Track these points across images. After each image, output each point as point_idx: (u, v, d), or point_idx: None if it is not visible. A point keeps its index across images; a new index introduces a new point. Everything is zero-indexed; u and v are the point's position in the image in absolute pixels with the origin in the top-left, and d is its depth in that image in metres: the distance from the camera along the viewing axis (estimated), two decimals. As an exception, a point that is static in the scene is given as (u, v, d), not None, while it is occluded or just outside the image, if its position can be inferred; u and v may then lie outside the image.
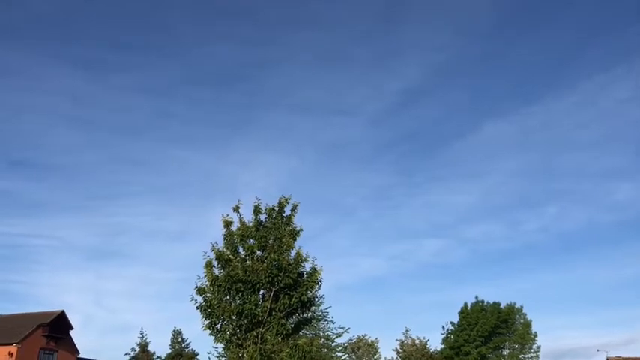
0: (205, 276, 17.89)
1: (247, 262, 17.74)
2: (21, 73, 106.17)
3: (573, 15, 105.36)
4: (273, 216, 18.52)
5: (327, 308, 33.44)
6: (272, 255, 17.39)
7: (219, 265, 17.91)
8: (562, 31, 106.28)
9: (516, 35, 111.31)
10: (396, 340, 49.03)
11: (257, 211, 18.52)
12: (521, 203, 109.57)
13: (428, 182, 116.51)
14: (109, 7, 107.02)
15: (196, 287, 17.86)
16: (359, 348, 45.97)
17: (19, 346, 44.72)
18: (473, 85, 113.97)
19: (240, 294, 17.30)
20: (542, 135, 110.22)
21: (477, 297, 52.86)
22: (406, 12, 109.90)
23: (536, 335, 51.07)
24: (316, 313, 32.03)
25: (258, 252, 17.91)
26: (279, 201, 18.68)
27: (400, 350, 48.40)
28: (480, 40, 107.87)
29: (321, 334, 34.05)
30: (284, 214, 18.56)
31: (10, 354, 44.18)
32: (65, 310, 48.99)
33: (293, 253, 17.90)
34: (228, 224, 18.45)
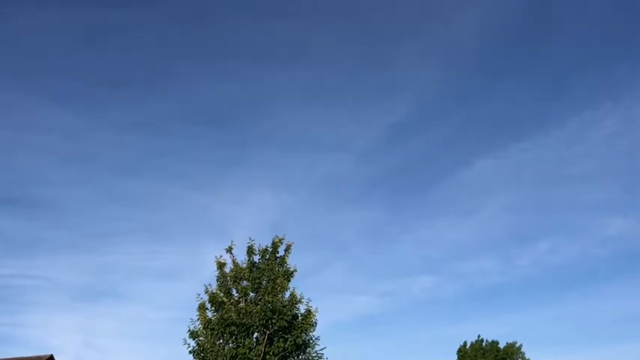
0: (198, 319, 17.58)
1: (241, 304, 17.44)
2: (13, 110, 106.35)
3: (559, 52, 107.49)
4: (267, 256, 18.33)
5: (322, 349, 32.73)
6: (266, 297, 17.10)
7: (213, 308, 17.62)
8: (548, 68, 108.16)
9: (503, 71, 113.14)
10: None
11: (250, 251, 18.35)
12: (515, 238, 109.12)
13: (420, 218, 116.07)
14: (103, 44, 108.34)
15: (189, 331, 17.52)
16: (356, 390, 44.91)
17: (6, 392, 43.41)
18: (462, 121, 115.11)
19: (233, 337, 16.93)
20: (533, 170, 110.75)
21: (479, 336, 52.06)
22: (394, 48, 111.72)
23: (535, 374, 50.16)
24: (311, 355, 31.35)
25: (251, 294, 17.63)
26: (273, 241, 18.53)
27: (398, 392, 47.35)
28: (467, 76, 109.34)
29: (317, 376, 33.25)
30: (278, 255, 18.38)
31: (-3, 401, 42.84)
32: (54, 354, 47.79)
33: (287, 294, 17.63)
34: (221, 265, 18.26)
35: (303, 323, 17.41)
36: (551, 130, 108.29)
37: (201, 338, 17.29)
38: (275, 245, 18.43)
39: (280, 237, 18.54)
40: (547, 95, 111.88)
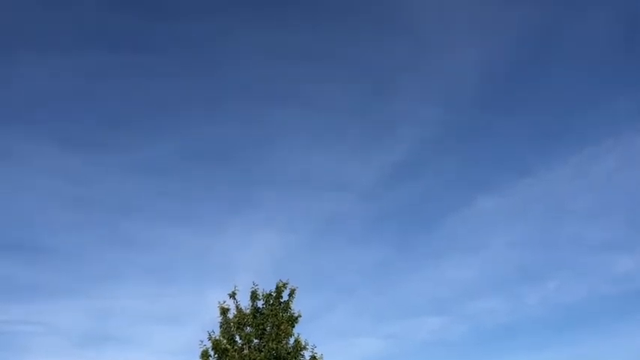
0: (201, 367, 17.28)
1: (245, 351, 17.12)
2: (14, 154, 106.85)
3: (559, 88, 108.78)
4: (271, 302, 18.08)
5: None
6: (270, 344, 16.82)
7: (216, 356, 17.30)
8: (549, 104, 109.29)
9: (504, 107, 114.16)
10: None
11: (254, 297, 18.15)
12: (522, 276, 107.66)
13: (426, 257, 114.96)
14: (104, 87, 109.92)
15: (192, 379, 17.20)
16: None
17: None
18: (464, 158, 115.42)
19: (237, 386, 16.58)
20: (538, 206, 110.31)
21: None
22: (393, 87, 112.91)
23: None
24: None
25: (255, 340, 17.33)
26: (277, 285, 18.34)
27: None
28: (467, 112, 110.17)
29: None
30: (282, 300, 18.16)
31: None
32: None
33: (292, 340, 17.36)
34: (224, 311, 18.02)
35: (308, 371, 17.07)
36: (554, 165, 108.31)
37: (204, 387, 16.94)
38: (279, 290, 18.23)
39: (284, 281, 18.36)
40: (548, 131, 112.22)
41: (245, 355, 16.94)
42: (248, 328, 17.58)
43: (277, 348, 16.73)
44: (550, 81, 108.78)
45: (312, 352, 17.39)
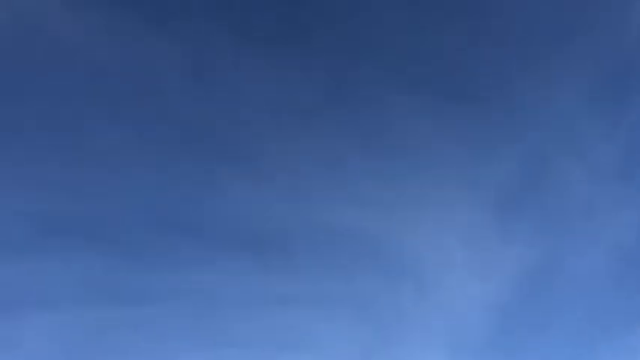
0: None
1: None
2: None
3: (565, 323, 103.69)
4: None
5: None
6: None
7: None
8: (558, 339, 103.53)
9: (513, 345, 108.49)
10: None
11: None
12: None
13: None
14: (107, 343, 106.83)
15: None
16: None
17: None
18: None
19: None
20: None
21: None
22: (399, 330, 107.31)
23: None
24: None
25: None
26: None
27: None
28: (478, 353, 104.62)
29: None
30: None
31: None
32: None
33: None
34: None
35: None
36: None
37: None
38: None
39: None
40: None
41: None
42: None
43: None
44: (557, 314, 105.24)
45: None
